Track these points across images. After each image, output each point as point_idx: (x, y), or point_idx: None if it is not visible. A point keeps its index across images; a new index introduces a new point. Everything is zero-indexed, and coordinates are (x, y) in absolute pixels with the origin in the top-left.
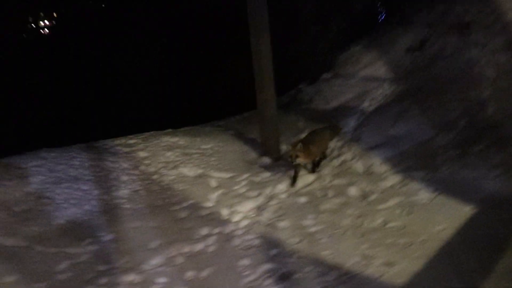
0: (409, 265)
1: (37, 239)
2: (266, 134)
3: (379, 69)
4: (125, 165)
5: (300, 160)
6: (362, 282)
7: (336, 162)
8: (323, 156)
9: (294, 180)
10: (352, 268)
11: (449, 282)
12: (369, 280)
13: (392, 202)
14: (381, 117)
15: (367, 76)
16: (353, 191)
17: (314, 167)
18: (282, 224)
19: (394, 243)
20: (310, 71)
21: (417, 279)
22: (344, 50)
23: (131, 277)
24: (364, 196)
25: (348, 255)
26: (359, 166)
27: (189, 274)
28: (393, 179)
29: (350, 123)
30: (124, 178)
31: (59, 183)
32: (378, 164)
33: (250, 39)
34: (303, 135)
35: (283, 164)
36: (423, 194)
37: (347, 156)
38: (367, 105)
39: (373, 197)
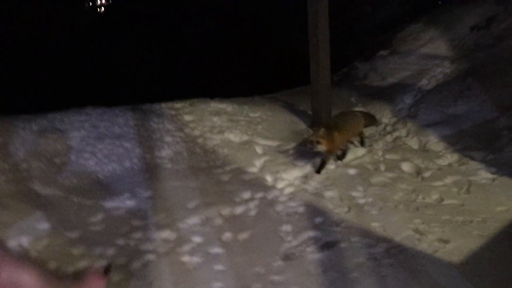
0: (466, 243)
1: (74, 191)
2: (318, 105)
3: (440, 47)
4: (169, 127)
5: (322, 148)
6: (413, 257)
7: (389, 138)
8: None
9: (320, 167)
10: (403, 242)
11: (508, 264)
12: (422, 255)
13: (449, 180)
14: (440, 95)
15: (427, 54)
16: (406, 166)
17: (321, 167)
18: (329, 193)
19: (450, 220)
20: (365, 48)
21: (474, 258)
22: (403, 27)
23: (165, 234)
24: (418, 172)
25: (399, 228)
26: (413, 142)
27: (227, 235)
28: (450, 158)
29: (406, 100)
30: (168, 139)
31: (102, 139)
32: (435, 141)
33: (307, 6)
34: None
35: None
36: (484, 175)
37: (402, 132)
38: (425, 83)
39: (428, 173)
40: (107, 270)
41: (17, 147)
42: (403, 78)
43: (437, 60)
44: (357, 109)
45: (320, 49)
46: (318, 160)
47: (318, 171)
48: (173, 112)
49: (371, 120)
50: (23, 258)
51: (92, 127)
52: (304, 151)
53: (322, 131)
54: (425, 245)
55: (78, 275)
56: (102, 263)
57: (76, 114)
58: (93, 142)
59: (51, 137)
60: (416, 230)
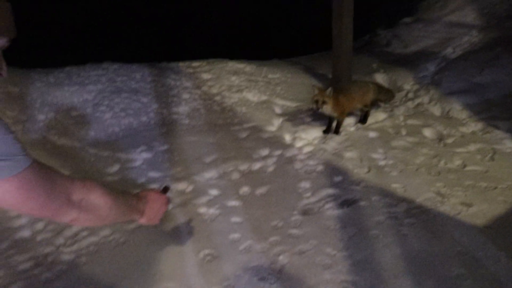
0: (490, 207)
1: (90, 142)
2: (339, 68)
3: (468, 15)
4: (187, 84)
5: (327, 109)
6: (435, 217)
7: (411, 104)
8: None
9: (337, 128)
10: (424, 203)
11: None
12: (444, 217)
13: (472, 147)
14: (465, 63)
15: (453, 22)
16: (428, 132)
17: (337, 127)
18: (349, 154)
19: (474, 185)
20: (388, 15)
21: (499, 222)
22: None
23: (182, 186)
24: (441, 138)
25: (421, 190)
26: (436, 109)
27: (244, 189)
28: (474, 126)
29: (430, 68)
30: (185, 96)
31: (118, 93)
32: (459, 109)
33: None
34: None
35: None
36: (509, 144)
37: (424, 99)
38: (450, 51)
39: (450, 140)
40: (165, 190)
41: (33, 98)
42: (427, 46)
43: (464, 28)
44: (378, 75)
45: (344, 10)
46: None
47: (336, 131)
48: (190, 70)
49: (386, 94)
50: (85, 180)
51: (109, 81)
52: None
53: (329, 90)
54: (447, 207)
55: (139, 194)
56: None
57: (93, 69)
58: (110, 95)
59: (68, 89)
60: (438, 193)
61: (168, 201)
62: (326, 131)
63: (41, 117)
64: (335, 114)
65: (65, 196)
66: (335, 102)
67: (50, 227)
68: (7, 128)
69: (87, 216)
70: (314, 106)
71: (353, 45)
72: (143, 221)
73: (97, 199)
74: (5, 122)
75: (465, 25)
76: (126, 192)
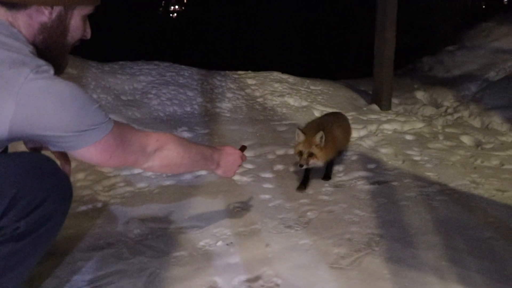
0: None
1: (136, 121)
2: (380, 81)
3: None
4: (231, 86)
5: (315, 161)
6: (468, 197)
7: (450, 118)
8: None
9: (304, 183)
10: (458, 188)
11: None
12: (477, 197)
13: (511, 152)
14: (508, 84)
15: (497, 48)
16: (466, 139)
17: (329, 170)
18: (384, 150)
19: (510, 179)
20: (432, 43)
21: None
22: (473, 25)
23: None
24: (478, 144)
25: (455, 178)
26: (476, 122)
27: (278, 167)
28: None
29: (471, 88)
30: (229, 95)
31: (166, 85)
32: (499, 122)
33: None
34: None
35: (393, 112)
36: None
37: (464, 113)
38: (493, 74)
39: (489, 146)
40: (242, 149)
41: (88, 81)
42: (469, 70)
43: (508, 54)
44: (418, 93)
45: (386, 24)
46: (374, 127)
47: (328, 175)
48: (236, 76)
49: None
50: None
51: (158, 74)
52: (361, 119)
53: (319, 136)
54: (481, 191)
55: (215, 147)
56: None
57: (145, 64)
58: (158, 86)
59: (120, 78)
60: (473, 181)
61: (243, 157)
62: (302, 187)
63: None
64: (323, 163)
65: (141, 149)
66: (327, 149)
67: (90, 178)
68: (93, 100)
69: (161, 164)
70: (298, 159)
71: (396, 72)
72: (219, 172)
73: (170, 150)
74: (89, 95)
75: (509, 51)
76: (202, 144)
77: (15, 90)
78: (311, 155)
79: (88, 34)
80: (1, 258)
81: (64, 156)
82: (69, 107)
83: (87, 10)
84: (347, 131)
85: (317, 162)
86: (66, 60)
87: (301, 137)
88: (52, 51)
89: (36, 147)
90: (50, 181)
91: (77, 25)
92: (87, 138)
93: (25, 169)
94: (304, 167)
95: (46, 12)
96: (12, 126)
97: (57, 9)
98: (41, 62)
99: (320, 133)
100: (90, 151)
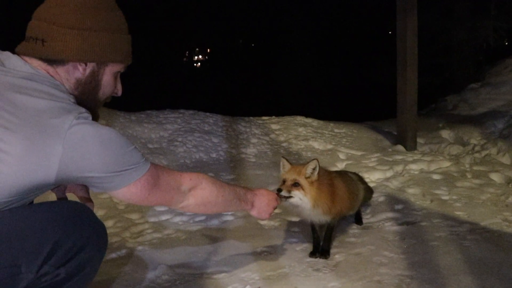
0: None
1: None
2: (404, 121)
3: None
4: (256, 131)
5: (300, 196)
6: (500, 236)
7: (478, 155)
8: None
9: (316, 246)
10: (490, 226)
11: None
12: (509, 236)
13: None
14: None
15: None
16: (496, 176)
17: (328, 239)
18: (411, 190)
19: None
20: (455, 82)
21: None
22: (496, 62)
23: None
24: (509, 181)
25: (486, 217)
26: (505, 159)
27: None
28: None
29: (498, 125)
30: (254, 140)
31: (192, 133)
32: None
33: (396, 21)
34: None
35: (419, 152)
36: None
37: (492, 151)
38: None
39: None
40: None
41: (116, 129)
42: (495, 107)
43: None
44: (443, 132)
45: (408, 65)
46: (400, 168)
47: (326, 247)
48: (260, 122)
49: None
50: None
51: (184, 122)
52: (387, 160)
53: (311, 167)
54: None
55: (249, 188)
56: None
57: (170, 112)
58: (184, 134)
59: (147, 126)
60: (505, 219)
61: (278, 200)
62: (314, 253)
63: None
64: (319, 212)
65: (176, 188)
66: (316, 186)
67: (119, 224)
68: (129, 142)
69: (196, 202)
70: (281, 189)
71: (420, 111)
72: (254, 213)
73: (204, 189)
74: (125, 138)
75: None
76: (236, 185)
77: (61, 135)
78: (296, 185)
79: (119, 91)
80: None
81: (87, 198)
82: (109, 149)
83: (118, 67)
84: (354, 193)
85: (303, 198)
86: (98, 114)
87: (287, 166)
88: (85, 105)
89: (62, 197)
90: (89, 229)
91: (108, 82)
92: (127, 177)
93: (66, 216)
94: (283, 201)
95: (81, 68)
96: (59, 169)
97: (91, 66)
98: (82, 109)
99: (314, 162)
100: (131, 190)
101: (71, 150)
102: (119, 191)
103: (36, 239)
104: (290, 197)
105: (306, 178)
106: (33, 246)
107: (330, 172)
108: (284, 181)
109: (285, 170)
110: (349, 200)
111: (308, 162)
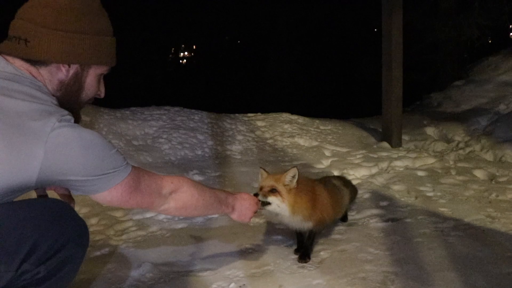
0: None
1: (147, 166)
2: (389, 118)
3: None
4: (241, 128)
5: (278, 202)
6: (484, 232)
7: (462, 152)
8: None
9: (304, 251)
10: (473, 222)
11: None
12: (494, 231)
13: None
14: None
15: (506, 82)
16: (479, 173)
17: (309, 246)
18: (397, 187)
19: None
20: (440, 79)
21: None
22: (480, 60)
23: None
24: (492, 178)
25: (470, 213)
26: (488, 156)
27: None
28: None
29: (481, 122)
30: (239, 137)
31: (177, 130)
32: None
33: (382, 18)
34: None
35: (404, 149)
36: None
37: (476, 147)
38: (503, 108)
39: (503, 179)
40: (256, 195)
41: (101, 127)
42: (478, 104)
43: None
44: (428, 129)
45: (393, 62)
46: (385, 164)
47: (305, 253)
48: (245, 118)
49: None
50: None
51: (169, 119)
52: (372, 157)
53: (290, 176)
54: (497, 225)
55: (229, 192)
56: None
57: (155, 109)
58: (169, 131)
59: (132, 123)
60: (488, 216)
61: (259, 203)
62: (299, 250)
63: None
64: (299, 219)
65: (157, 192)
66: (293, 193)
67: (103, 222)
68: (112, 145)
69: (176, 206)
70: (259, 193)
71: (405, 108)
72: (234, 216)
73: (185, 192)
74: (108, 141)
75: None
76: (216, 188)
77: (43, 138)
78: (273, 190)
79: (102, 93)
80: None
81: (68, 195)
82: (91, 153)
83: (102, 70)
84: (337, 200)
85: (281, 204)
86: (80, 116)
87: (264, 175)
88: (67, 107)
89: (43, 194)
90: (69, 226)
91: (91, 84)
92: (108, 181)
93: (46, 214)
94: (262, 209)
95: (64, 70)
96: (40, 172)
97: (74, 68)
98: (64, 112)
99: (293, 170)
100: (112, 193)
101: (52, 154)
102: (100, 195)
103: (16, 238)
104: (268, 203)
105: (285, 185)
106: (12, 244)
107: (312, 180)
108: (261, 188)
109: (263, 178)
110: (332, 207)
111: (287, 170)
